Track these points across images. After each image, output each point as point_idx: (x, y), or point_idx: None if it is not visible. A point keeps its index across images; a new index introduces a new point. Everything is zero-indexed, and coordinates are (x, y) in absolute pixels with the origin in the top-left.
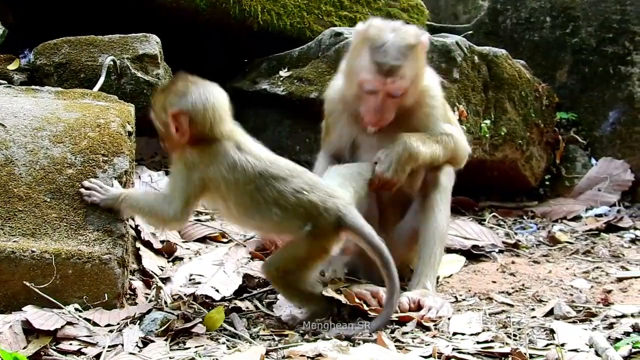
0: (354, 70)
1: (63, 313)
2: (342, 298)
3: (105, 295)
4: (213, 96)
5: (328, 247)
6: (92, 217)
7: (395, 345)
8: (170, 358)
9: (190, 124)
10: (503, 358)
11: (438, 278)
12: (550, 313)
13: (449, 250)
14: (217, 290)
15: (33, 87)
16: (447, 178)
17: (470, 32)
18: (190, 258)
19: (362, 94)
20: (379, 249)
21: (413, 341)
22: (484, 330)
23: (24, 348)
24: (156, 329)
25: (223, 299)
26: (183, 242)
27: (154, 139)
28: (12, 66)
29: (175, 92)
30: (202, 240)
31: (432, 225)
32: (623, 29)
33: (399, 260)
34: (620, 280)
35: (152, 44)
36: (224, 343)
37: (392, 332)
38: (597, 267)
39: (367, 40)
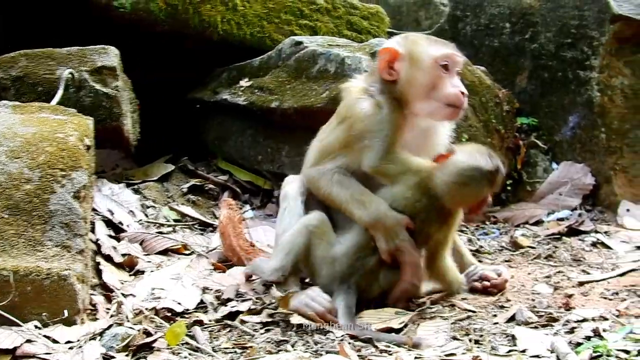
0: (421, 59)
1: (22, 330)
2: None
3: (65, 311)
4: None
5: None
6: (51, 233)
7: (358, 356)
8: None
9: None
10: None
11: None
12: (512, 319)
13: None
14: (179, 303)
15: None
16: None
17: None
18: (152, 271)
19: (436, 79)
20: None
21: (376, 350)
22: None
23: None
24: (117, 345)
25: (185, 312)
26: (145, 254)
27: (114, 151)
28: None
29: None
30: (164, 252)
31: None
32: (581, 34)
33: None
34: (581, 284)
35: (110, 56)
36: (185, 357)
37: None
38: (559, 272)
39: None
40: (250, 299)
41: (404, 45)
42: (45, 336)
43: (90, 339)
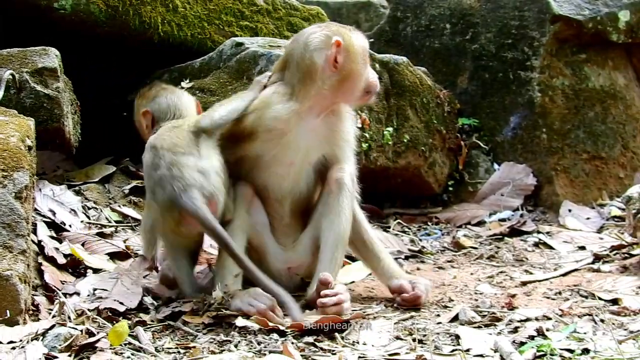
0: (356, 51)
1: None
2: (247, 322)
3: (7, 311)
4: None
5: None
6: None
7: (302, 355)
8: None
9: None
10: None
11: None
12: (455, 318)
13: (353, 258)
14: (120, 303)
15: None
16: (350, 180)
17: (371, 39)
18: (93, 272)
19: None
20: (217, 233)
21: (320, 351)
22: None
23: None
24: (60, 345)
25: (127, 313)
26: (87, 255)
27: (55, 152)
28: None
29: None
30: (106, 254)
31: (334, 230)
32: (522, 35)
33: (307, 272)
34: (524, 284)
35: (51, 57)
36: (128, 357)
37: (298, 341)
38: (502, 272)
39: None
40: (191, 300)
41: (341, 36)
42: None
43: (32, 339)
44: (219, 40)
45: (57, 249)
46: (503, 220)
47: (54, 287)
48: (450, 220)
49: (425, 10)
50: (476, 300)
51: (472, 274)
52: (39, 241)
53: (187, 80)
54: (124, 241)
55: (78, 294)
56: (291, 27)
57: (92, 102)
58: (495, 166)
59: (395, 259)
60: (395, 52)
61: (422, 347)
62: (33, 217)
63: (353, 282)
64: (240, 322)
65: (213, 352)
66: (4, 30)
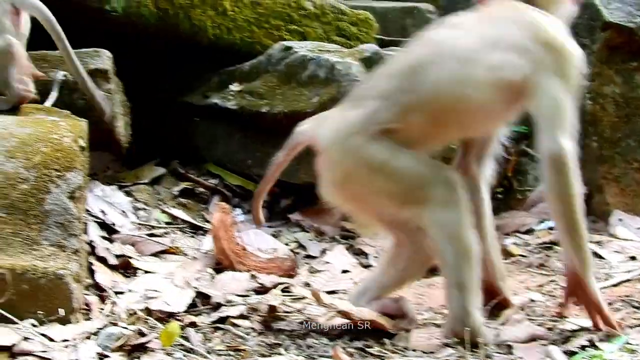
0: None
1: (18, 328)
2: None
3: (61, 310)
4: None
5: None
6: (47, 233)
7: None
8: None
9: None
10: None
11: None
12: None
13: None
14: (171, 305)
15: None
16: None
17: None
18: (144, 272)
19: None
20: None
21: (370, 356)
22: (441, 345)
23: None
24: (112, 344)
25: (177, 314)
26: (138, 256)
27: (106, 153)
28: None
29: None
30: (156, 254)
31: None
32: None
33: None
34: None
35: (103, 59)
36: (179, 358)
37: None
38: (552, 281)
39: None
40: (241, 304)
41: None
42: (41, 334)
43: (85, 338)
44: (268, 43)
45: (107, 249)
46: (552, 228)
47: (105, 287)
48: (498, 227)
49: None
50: (526, 308)
51: (521, 282)
52: (90, 241)
53: (236, 84)
54: (173, 242)
55: (129, 294)
56: (339, 31)
57: (142, 103)
58: None
59: None
60: None
61: (472, 355)
62: (84, 217)
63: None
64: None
65: (263, 355)
66: None
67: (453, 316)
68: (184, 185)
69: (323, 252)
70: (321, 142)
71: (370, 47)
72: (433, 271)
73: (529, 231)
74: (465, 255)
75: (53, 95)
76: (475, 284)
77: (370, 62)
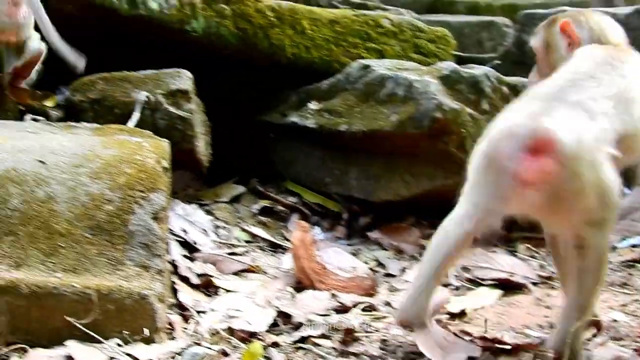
0: None
1: (104, 348)
2: None
3: (145, 330)
4: None
5: None
6: (132, 253)
7: None
8: None
9: None
10: None
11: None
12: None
13: (481, 282)
14: (253, 324)
15: (70, 123)
16: None
17: (497, 61)
18: (226, 291)
19: None
20: None
21: None
22: None
23: None
24: None
25: (259, 333)
26: (219, 275)
27: (186, 171)
28: (49, 102)
29: None
30: (237, 273)
31: None
32: None
33: None
34: None
35: (184, 79)
36: None
37: None
38: (635, 300)
39: None
40: (322, 324)
41: None
42: (126, 354)
43: (170, 358)
44: (346, 61)
45: (189, 268)
46: (635, 246)
47: (187, 306)
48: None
49: None
50: (610, 329)
51: (604, 301)
52: (173, 260)
53: (315, 102)
54: (253, 260)
55: (211, 313)
56: (417, 48)
57: (222, 122)
58: (626, 191)
59: (524, 285)
60: (521, 73)
61: None
62: (167, 236)
63: (482, 307)
64: None
65: None
66: (138, 52)
67: (561, 336)
68: (263, 203)
69: (403, 270)
70: (566, 147)
71: (448, 65)
72: (510, 288)
73: (611, 249)
74: (601, 283)
75: (135, 116)
76: (592, 309)
77: (448, 80)
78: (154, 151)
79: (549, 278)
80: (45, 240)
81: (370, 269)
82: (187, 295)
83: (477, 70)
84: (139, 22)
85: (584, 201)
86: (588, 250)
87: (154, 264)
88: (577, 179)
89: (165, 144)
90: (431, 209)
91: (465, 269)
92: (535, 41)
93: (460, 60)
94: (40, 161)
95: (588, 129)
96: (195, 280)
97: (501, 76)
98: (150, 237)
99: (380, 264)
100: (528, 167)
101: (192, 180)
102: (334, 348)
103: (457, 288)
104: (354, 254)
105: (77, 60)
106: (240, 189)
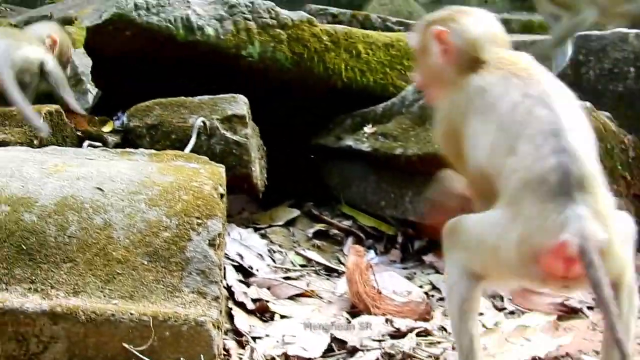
0: None
1: None
2: None
3: (201, 356)
4: None
5: None
6: (188, 280)
7: None
8: None
9: None
10: None
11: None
12: None
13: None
14: (307, 350)
15: (127, 149)
16: None
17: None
18: (281, 316)
19: None
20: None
21: None
22: None
23: None
24: None
25: (314, 359)
26: (274, 299)
27: (241, 195)
28: (106, 128)
29: None
30: (292, 297)
31: None
32: None
33: None
34: None
35: (240, 104)
36: None
37: None
38: None
39: None
40: (377, 349)
41: None
42: None
43: None
44: (401, 85)
45: (245, 293)
46: None
47: (243, 332)
48: (637, 269)
49: (608, 54)
50: None
51: None
52: (229, 286)
53: (370, 126)
54: (308, 284)
55: (266, 339)
56: None
57: (277, 145)
58: None
59: (579, 309)
60: (576, 95)
61: None
62: (223, 262)
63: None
64: None
65: None
66: (195, 78)
67: None
68: (318, 227)
69: None
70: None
71: None
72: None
73: None
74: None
75: (192, 141)
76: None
77: None
78: (210, 177)
79: None
80: (103, 267)
81: (425, 293)
82: (243, 320)
83: None
84: (195, 47)
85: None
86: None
87: (210, 290)
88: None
89: (221, 170)
90: None
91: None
92: (412, 41)
93: None
94: (98, 188)
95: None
96: (250, 306)
97: None
98: (207, 264)
99: (435, 288)
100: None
101: (247, 203)
102: None
103: (511, 312)
104: (408, 278)
105: (41, 125)
106: (295, 212)
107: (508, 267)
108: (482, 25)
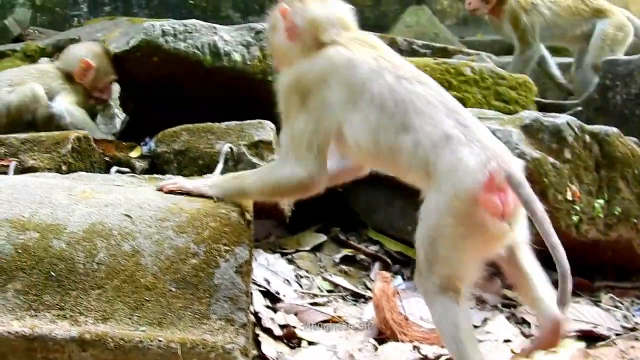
0: None
1: None
2: None
3: None
4: None
5: None
6: (216, 307)
7: None
8: None
9: None
10: None
11: None
12: None
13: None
14: None
15: (155, 175)
16: None
17: (579, 108)
18: (309, 343)
19: None
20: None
21: None
22: None
23: None
24: None
25: None
26: (301, 326)
27: (268, 219)
28: (133, 154)
29: None
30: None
31: None
32: None
33: None
34: None
35: (267, 130)
36: None
37: None
38: None
39: None
40: None
41: None
42: None
43: None
44: None
45: (272, 319)
46: None
47: (270, 358)
48: None
49: (635, 79)
50: None
51: None
52: (256, 312)
53: None
54: (335, 310)
55: None
56: (498, 96)
57: None
58: None
59: (608, 337)
60: (603, 120)
61: None
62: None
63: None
64: None
65: None
66: (222, 104)
67: None
68: (345, 252)
69: (484, 321)
70: None
71: (529, 114)
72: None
73: None
74: None
75: (219, 167)
76: None
77: (530, 129)
78: (237, 204)
79: (632, 329)
80: (131, 293)
81: None
82: (270, 347)
83: (559, 119)
84: (222, 73)
85: None
86: None
87: (238, 317)
88: None
89: None
90: None
91: None
92: (267, 22)
93: (542, 107)
94: (127, 215)
95: None
96: (278, 332)
97: (583, 125)
98: (235, 291)
99: None
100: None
101: (274, 227)
102: None
103: None
104: None
105: None
106: (322, 237)
107: (461, 235)
108: (327, 8)
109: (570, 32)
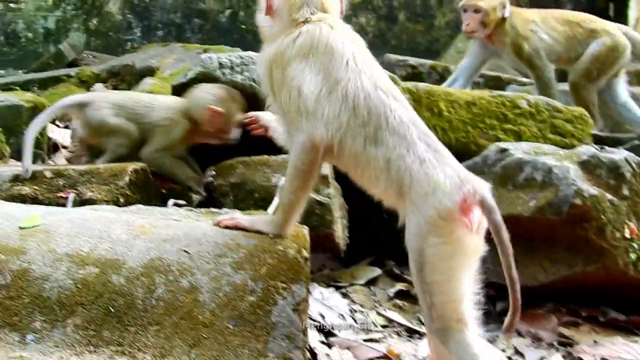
0: None
1: None
2: None
3: None
4: None
5: None
6: (273, 345)
7: None
8: None
9: None
10: None
11: None
12: None
13: None
14: None
15: (212, 209)
16: None
17: (637, 142)
18: None
19: None
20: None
21: None
22: None
23: None
24: None
25: None
26: None
27: (324, 252)
28: None
29: None
30: None
31: None
32: None
33: None
34: None
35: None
36: None
37: None
38: None
39: None
40: None
41: None
42: None
43: None
44: (483, 143)
45: (328, 355)
46: None
47: None
48: None
49: None
50: None
51: None
52: (311, 348)
53: None
54: (389, 346)
55: None
56: (554, 129)
57: (357, 202)
58: None
59: None
60: None
61: None
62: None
63: None
64: None
65: None
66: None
67: None
68: (399, 286)
69: (541, 359)
70: None
71: (587, 150)
72: None
73: None
74: None
75: (275, 201)
76: None
77: (587, 165)
78: (294, 240)
79: None
80: (189, 330)
81: (508, 357)
82: None
83: (617, 154)
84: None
85: None
86: None
87: (295, 356)
88: None
89: (305, 232)
90: (570, 296)
91: None
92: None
93: (599, 140)
94: (185, 251)
95: None
96: None
97: None
98: (292, 329)
99: (518, 352)
100: None
101: (328, 259)
102: None
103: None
104: (490, 341)
105: (27, 167)
106: (377, 271)
107: (447, 255)
108: None
109: (565, 56)
